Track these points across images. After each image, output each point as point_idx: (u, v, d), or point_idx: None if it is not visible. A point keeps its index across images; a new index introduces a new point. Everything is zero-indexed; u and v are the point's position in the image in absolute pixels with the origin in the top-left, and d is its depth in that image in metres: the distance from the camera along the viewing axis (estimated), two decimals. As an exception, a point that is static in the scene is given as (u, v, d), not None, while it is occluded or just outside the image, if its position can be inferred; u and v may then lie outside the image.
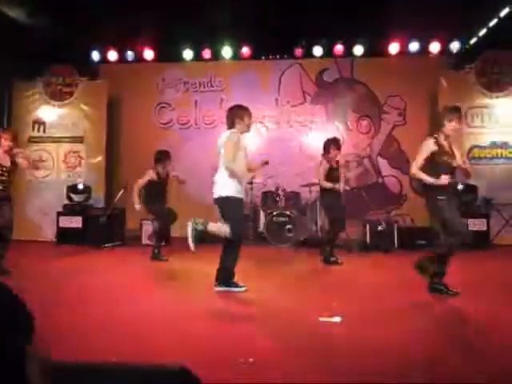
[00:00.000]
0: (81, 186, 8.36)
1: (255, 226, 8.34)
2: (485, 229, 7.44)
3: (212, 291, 4.19)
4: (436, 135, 4.09)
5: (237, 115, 4.37)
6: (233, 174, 4.15)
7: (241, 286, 4.28)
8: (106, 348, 2.77)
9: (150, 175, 6.30)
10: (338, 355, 2.73)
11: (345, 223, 6.01)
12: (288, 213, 7.79)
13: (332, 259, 5.90)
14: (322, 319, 3.37)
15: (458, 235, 3.90)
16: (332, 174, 5.85)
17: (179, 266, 5.85)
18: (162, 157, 6.44)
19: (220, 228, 4.16)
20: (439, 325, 3.37)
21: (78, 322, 3.34)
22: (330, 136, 8.65)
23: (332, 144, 5.89)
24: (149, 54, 9.03)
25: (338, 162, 5.97)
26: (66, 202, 8.35)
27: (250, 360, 2.57)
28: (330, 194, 5.85)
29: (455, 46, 8.45)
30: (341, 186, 5.91)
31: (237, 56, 8.98)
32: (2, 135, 4.99)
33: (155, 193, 6.32)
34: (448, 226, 3.92)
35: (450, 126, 4.03)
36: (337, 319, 3.35)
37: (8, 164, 5.03)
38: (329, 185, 5.79)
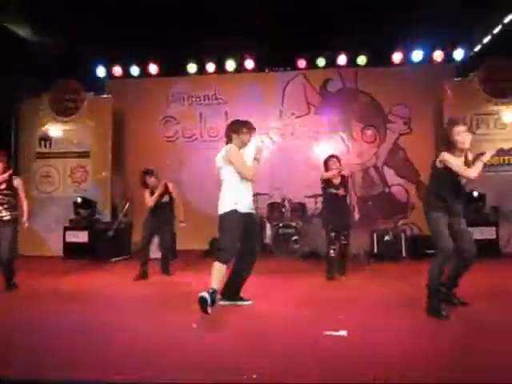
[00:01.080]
0: (79, 200, 8.41)
1: (261, 237, 8.29)
2: (494, 237, 7.34)
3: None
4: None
5: (232, 130, 4.28)
6: (254, 177, 4.21)
7: (246, 300, 4.23)
8: (109, 364, 2.74)
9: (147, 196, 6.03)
10: (343, 369, 2.67)
11: (344, 232, 5.71)
12: (294, 224, 7.75)
13: (328, 276, 5.61)
14: (327, 333, 3.32)
15: (441, 252, 3.74)
16: (331, 182, 5.75)
17: (185, 279, 5.81)
18: (145, 175, 6.06)
19: (215, 272, 3.94)
20: (451, 336, 3.29)
21: (84, 338, 3.31)
22: (334, 146, 8.75)
23: (329, 161, 5.77)
24: (153, 69, 9.12)
25: (342, 176, 5.79)
26: (73, 216, 8.39)
27: (254, 376, 2.53)
28: (330, 200, 5.73)
29: (459, 53, 8.44)
30: (353, 199, 5.84)
31: (240, 69, 9.03)
32: None
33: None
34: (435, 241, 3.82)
35: (459, 139, 3.79)
36: (342, 333, 3.29)
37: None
38: (329, 174, 5.67)
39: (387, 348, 3.02)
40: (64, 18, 7.59)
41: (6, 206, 4.93)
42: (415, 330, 3.44)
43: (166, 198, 6.09)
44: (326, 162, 5.82)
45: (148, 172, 6.06)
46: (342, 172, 5.76)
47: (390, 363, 2.74)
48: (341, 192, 5.69)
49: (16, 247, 5.27)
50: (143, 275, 5.80)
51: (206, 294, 3.66)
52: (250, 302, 4.23)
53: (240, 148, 4.23)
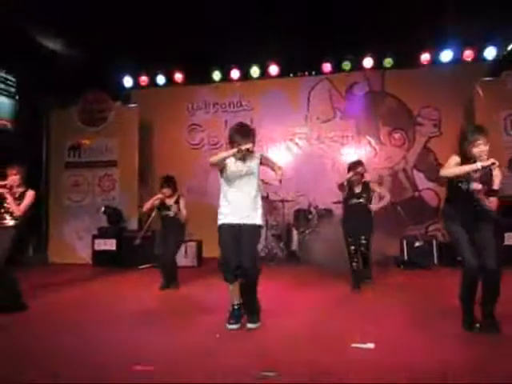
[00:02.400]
0: (107, 209, 8.54)
1: (288, 244, 8.20)
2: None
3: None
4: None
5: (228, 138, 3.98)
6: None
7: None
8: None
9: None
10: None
11: (362, 238, 5.49)
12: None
13: (353, 287, 5.38)
14: (354, 345, 3.20)
15: (464, 267, 3.47)
16: (353, 192, 5.56)
17: (203, 291, 5.78)
18: (162, 184, 5.82)
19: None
20: (483, 353, 3.12)
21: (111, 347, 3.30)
22: (361, 151, 8.59)
23: (351, 170, 5.54)
24: (178, 77, 9.20)
25: (364, 183, 5.60)
26: (101, 225, 8.52)
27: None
28: (352, 211, 5.54)
29: (491, 52, 8.15)
30: (376, 204, 5.65)
31: (265, 75, 9.00)
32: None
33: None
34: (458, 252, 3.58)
35: (476, 151, 3.48)
36: (370, 345, 3.17)
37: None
38: (349, 175, 5.47)
39: (415, 362, 2.88)
40: (91, 29, 7.75)
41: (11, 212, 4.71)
42: (446, 344, 3.28)
43: (173, 209, 5.80)
44: (348, 170, 5.62)
45: (166, 182, 5.83)
46: (361, 171, 5.51)
47: (419, 378, 2.61)
48: (364, 201, 5.52)
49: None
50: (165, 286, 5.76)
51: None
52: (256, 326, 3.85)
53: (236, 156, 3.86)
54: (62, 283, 6.29)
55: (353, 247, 5.45)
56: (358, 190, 5.57)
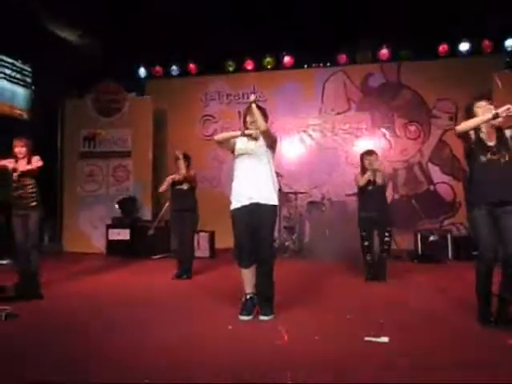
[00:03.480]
0: (121, 199, 8.68)
1: (301, 237, 8.18)
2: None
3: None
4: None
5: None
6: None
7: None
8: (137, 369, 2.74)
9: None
10: (383, 377, 2.54)
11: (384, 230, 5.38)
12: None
13: (367, 276, 5.39)
14: (367, 338, 3.18)
15: (480, 256, 3.41)
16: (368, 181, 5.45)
17: (218, 280, 5.80)
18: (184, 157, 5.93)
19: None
20: (495, 346, 3.08)
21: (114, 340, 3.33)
22: (375, 143, 8.50)
23: (364, 160, 5.48)
24: (192, 68, 9.18)
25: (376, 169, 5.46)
26: (115, 214, 8.59)
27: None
28: (367, 197, 5.46)
29: (510, 43, 7.97)
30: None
31: (279, 66, 8.94)
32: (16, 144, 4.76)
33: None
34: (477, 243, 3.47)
35: (480, 112, 3.44)
36: (384, 339, 3.14)
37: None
38: (364, 179, 5.39)
39: (429, 359, 2.86)
40: (106, 19, 7.77)
41: (28, 188, 4.76)
42: (459, 338, 3.25)
43: (185, 186, 5.93)
44: (361, 159, 5.56)
45: (182, 157, 5.90)
46: (376, 167, 5.40)
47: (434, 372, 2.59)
48: (376, 188, 5.39)
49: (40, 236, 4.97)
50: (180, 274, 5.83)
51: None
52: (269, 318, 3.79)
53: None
54: (77, 272, 6.36)
55: (366, 242, 5.40)
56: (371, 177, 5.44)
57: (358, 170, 5.66)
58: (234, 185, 3.90)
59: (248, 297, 3.84)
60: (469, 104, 3.67)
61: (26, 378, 2.60)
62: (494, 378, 2.54)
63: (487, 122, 3.36)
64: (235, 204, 3.83)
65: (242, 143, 3.90)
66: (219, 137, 3.99)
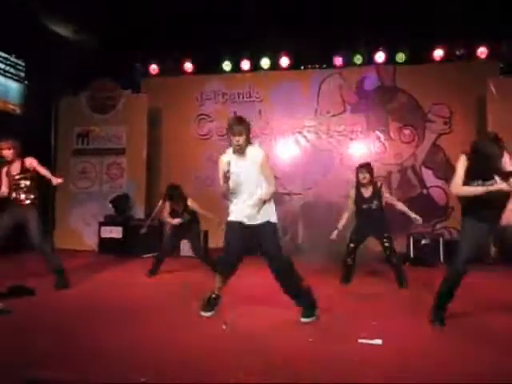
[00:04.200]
0: (114, 197, 8.63)
1: (294, 238, 8.19)
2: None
3: (237, 310, 4.05)
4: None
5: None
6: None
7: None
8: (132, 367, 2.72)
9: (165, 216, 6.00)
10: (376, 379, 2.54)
11: (384, 235, 5.26)
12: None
13: (342, 280, 5.39)
14: (361, 341, 3.18)
15: (453, 267, 3.58)
16: (362, 197, 5.32)
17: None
18: (175, 193, 5.83)
19: None
20: (489, 353, 3.10)
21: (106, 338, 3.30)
22: (370, 146, 8.51)
23: (359, 174, 5.31)
24: (188, 67, 9.14)
25: (373, 186, 5.32)
26: (108, 212, 8.53)
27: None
28: (362, 216, 5.31)
29: (505, 49, 8.03)
30: (400, 206, 5.32)
31: (275, 66, 8.93)
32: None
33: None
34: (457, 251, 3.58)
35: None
36: (377, 342, 3.15)
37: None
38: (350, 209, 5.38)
39: (422, 362, 2.86)
40: (102, 16, 7.72)
41: (24, 190, 4.76)
42: (451, 339, 3.26)
43: (185, 217, 5.89)
44: (356, 173, 5.37)
45: (172, 196, 5.83)
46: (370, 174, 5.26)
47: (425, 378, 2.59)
48: (374, 206, 5.22)
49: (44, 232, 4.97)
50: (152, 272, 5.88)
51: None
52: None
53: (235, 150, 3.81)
54: (68, 270, 6.29)
55: (352, 244, 5.34)
56: (367, 194, 5.28)
57: (353, 171, 5.59)
58: (233, 201, 3.82)
59: (213, 295, 3.92)
60: (480, 144, 3.53)
61: (23, 376, 2.57)
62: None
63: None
64: (233, 218, 3.81)
65: (235, 166, 3.71)
66: (223, 187, 3.74)
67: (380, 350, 3.05)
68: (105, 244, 8.23)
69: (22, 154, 4.83)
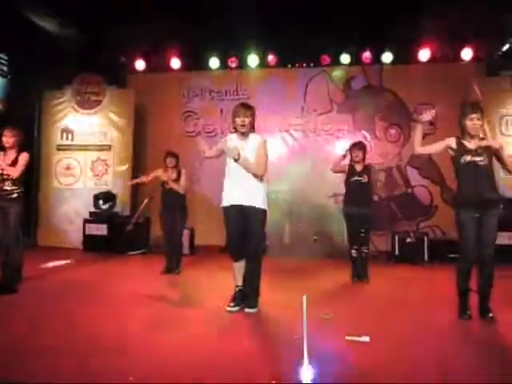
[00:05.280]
0: (99, 193, 8.50)
1: (281, 237, 8.20)
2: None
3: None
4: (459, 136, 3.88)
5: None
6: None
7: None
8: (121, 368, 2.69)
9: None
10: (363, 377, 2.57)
11: (366, 224, 5.43)
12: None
13: (354, 279, 5.45)
14: (348, 338, 3.20)
15: (462, 257, 3.69)
16: (354, 169, 5.54)
17: (198, 278, 5.76)
18: (167, 156, 6.09)
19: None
20: (473, 346, 3.15)
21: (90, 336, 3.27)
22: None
23: (352, 152, 5.57)
24: (175, 63, 9.06)
25: (365, 165, 5.58)
26: (93, 209, 8.43)
27: (273, 382, 2.44)
28: (353, 189, 5.51)
29: (490, 51, 8.15)
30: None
31: (263, 64, 8.92)
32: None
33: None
34: (459, 245, 3.72)
35: (468, 124, 3.78)
36: (365, 338, 3.17)
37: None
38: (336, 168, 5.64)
39: (411, 357, 2.90)
40: (87, 10, 7.60)
41: (10, 181, 4.64)
42: (438, 334, 3.31)
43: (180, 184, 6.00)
44: (350, 152, 5.61)
45: (171, 154, 6.12)
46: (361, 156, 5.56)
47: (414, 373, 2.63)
48: (364, 179, 5.46)
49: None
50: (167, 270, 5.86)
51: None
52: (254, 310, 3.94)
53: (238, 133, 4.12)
54: (51, 267, 6.22)
55: (352, 237, 5.45)
56: (359, 168, 5.52)
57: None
58: (225, 183, 4.00)
59: (237, 289, 3.94)
60: (464, 105, 3.96)
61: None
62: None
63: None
64: (226, 202, 3.95)
65: (233, 145, 3.94)
66: (210, 154, 4.18)
67: (367, 346, 3.08)
68: (90, 241, 8.13)
69: (21, 147, 4.78)
